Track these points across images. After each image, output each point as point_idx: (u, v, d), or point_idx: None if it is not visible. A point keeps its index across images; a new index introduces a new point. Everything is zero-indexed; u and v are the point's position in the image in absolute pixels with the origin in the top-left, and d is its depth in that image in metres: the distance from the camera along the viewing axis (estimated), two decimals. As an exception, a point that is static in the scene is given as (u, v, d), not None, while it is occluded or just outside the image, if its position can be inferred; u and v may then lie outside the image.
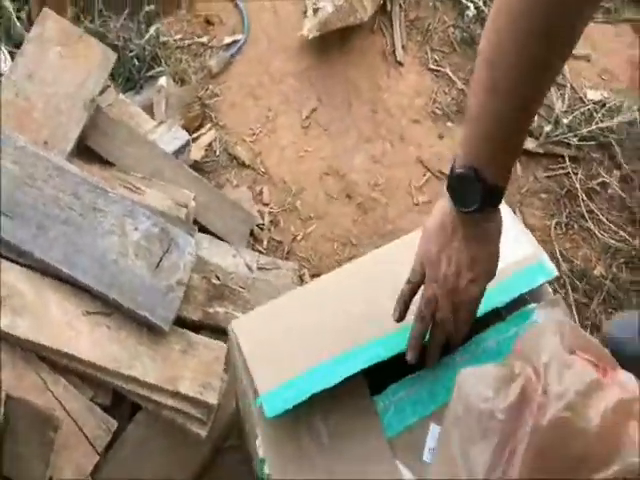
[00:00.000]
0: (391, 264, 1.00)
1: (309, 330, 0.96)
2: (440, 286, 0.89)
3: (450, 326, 0.92)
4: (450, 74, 1.99)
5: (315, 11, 2.11)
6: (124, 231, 1.29)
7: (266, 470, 0.89)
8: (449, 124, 1.91)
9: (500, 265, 0.91)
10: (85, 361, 1.12)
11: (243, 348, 0.95)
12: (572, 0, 0.74)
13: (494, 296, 0.95)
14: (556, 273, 1.04)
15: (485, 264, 0.89)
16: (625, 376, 0.71)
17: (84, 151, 1.44)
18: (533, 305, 1.00)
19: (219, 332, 1.28)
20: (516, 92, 0.80)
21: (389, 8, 2.06)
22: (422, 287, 0.92)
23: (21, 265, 1.19)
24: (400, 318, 0.94)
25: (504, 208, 0.92)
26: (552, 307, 0.98)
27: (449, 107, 1.93)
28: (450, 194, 0.87)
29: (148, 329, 1.20)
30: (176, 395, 1.15)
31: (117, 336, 1.17)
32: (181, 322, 1.26)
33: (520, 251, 1.03)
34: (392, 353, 0.93)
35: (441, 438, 0.80)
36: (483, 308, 0.94)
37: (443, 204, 0.89)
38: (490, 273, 0.90)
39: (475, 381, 0.71)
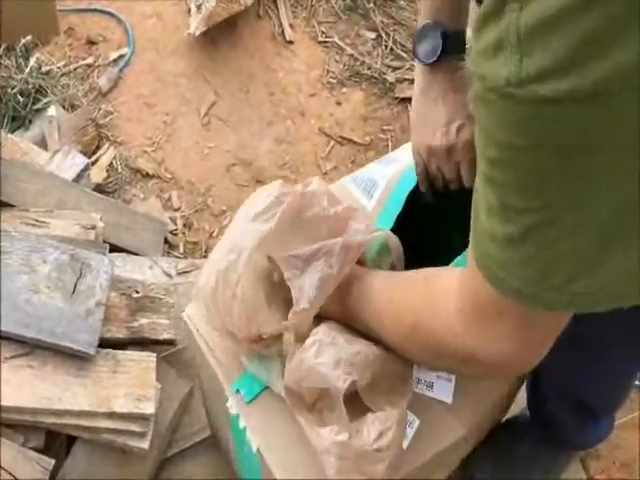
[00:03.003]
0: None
1: None
2: (438, 157, 0.99)
3: (457, 182, 1.01)
4: (339, 42, 1.99)
5: (198, 7, 2.09)
6: (32, 267, 1.28)
7: (241, 425, 0.90)
8: (344, 90, 1.91)
9: None
10: (13, 408, 1.10)
11: (204, 337, 0.96)
12: None
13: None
14: None
15: (464, 110, 0.97)
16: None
17: (-22, 198, 1.42)
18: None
19: (148, 344, 1.28)
20: None
21: (270, -11, 2.07)
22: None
23: None
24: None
25: None
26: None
27: (342, 74, 1.93)
28: (417, 56, 0.97)
29: (74, 358, 1.19)
30: (112, 415, 1.14)
31: (42, 373, 1.15)
32: (108, 343, 1.25)
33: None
34: None
35: None
36: None
37: (415, 83, 0.99)
38: (471, 115, 0.98)
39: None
